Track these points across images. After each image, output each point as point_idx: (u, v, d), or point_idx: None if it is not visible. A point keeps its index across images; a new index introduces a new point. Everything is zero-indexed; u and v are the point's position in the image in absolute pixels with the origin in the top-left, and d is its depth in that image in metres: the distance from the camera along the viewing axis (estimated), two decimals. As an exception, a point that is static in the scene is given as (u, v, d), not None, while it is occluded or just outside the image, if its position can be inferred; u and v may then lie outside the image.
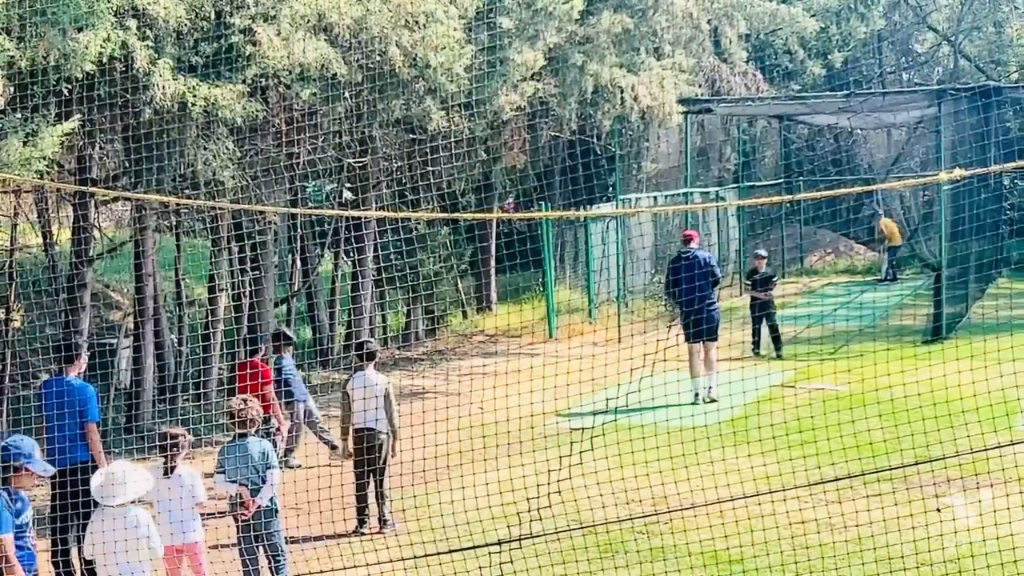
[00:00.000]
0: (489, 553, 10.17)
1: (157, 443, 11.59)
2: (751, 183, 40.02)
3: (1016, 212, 37.85)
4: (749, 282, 25.86)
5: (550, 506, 9.98)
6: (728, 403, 18.50)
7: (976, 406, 14.66)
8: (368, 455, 14.22)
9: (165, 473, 11.15)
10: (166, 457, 11.23)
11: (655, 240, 32.46)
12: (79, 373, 13.02)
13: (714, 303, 21.11)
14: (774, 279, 25.60)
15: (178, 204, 18.26)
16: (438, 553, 10.37)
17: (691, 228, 26.88)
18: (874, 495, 13.13)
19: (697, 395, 20.52)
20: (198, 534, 11.33)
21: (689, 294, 20.23)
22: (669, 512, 12.23)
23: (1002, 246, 35.91)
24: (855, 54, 46.52)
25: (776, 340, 24.42)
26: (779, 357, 23.96)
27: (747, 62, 37.54)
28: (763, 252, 26.49)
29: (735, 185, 38.53)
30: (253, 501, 11.70)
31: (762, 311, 24.79)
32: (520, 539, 9.95)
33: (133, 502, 10.29)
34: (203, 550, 11.46)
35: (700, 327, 20.21)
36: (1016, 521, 10.98)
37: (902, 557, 11.38)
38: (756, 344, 24.67)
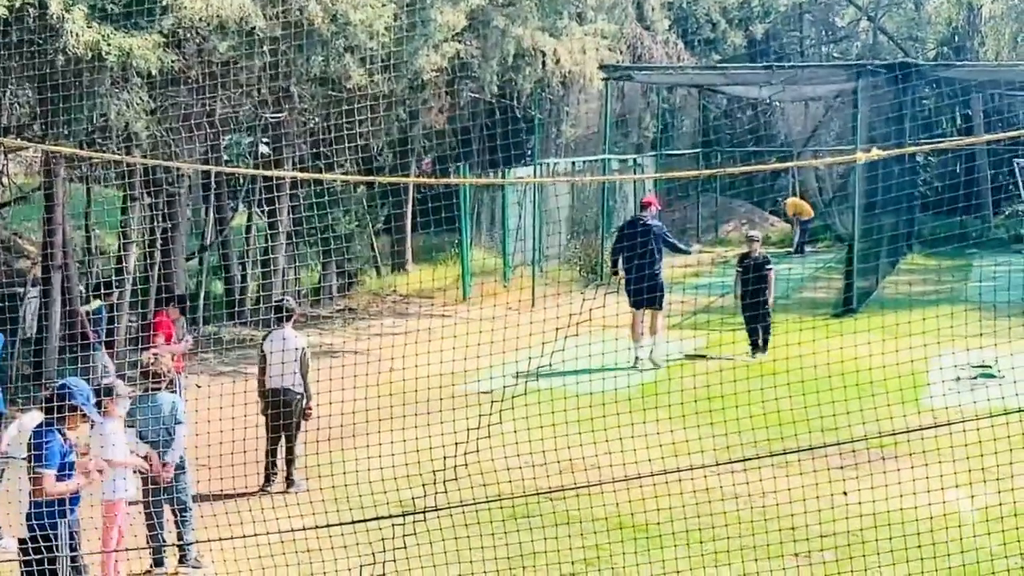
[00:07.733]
0: (392, 525, 10.09)
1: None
2: (669, 151, 40.14)
3: (929, 188, 38.23)
4: (740, 268, 21.87)
5: (456, 479, 9.92)
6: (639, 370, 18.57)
7: (884, 378, 14.83)
8: (283, 416, 14.09)
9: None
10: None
11: (571, 204, 32.43)
12: None
13: (658, 272, 20.67)
14: (769, 265, 21.82)
15: (89, 158, 17.96)
16: (340, 523, 10.27)
17: (649, 194, 26.53)
18: (780, 465, 13.22)
19: (637, 359, 20.35)
20: (119, 493, 11.15)
21: (636, 260, 20.12)
22: (576, 487, 12.21)
23: (914, 220, 36.30)
24: (776, 26, 46.71)
25: (765, 342, 21.14)
26: (759, 350, 21.19)
27: (669, 30, 37.59)
28: (756, 234, 23.25)
29: (653, 153, 38.60)
30: (165, 465, 11.53)
31: (755, 309, 21.36)
32: (424, 511, 9.89)
33: None
34: (121, 512, 11.26)
35: (643, 296, 19.94)
36: (920, 493, 11.09)
37: (806, 527, 11.47)
38: (754, 344, 21.29)
